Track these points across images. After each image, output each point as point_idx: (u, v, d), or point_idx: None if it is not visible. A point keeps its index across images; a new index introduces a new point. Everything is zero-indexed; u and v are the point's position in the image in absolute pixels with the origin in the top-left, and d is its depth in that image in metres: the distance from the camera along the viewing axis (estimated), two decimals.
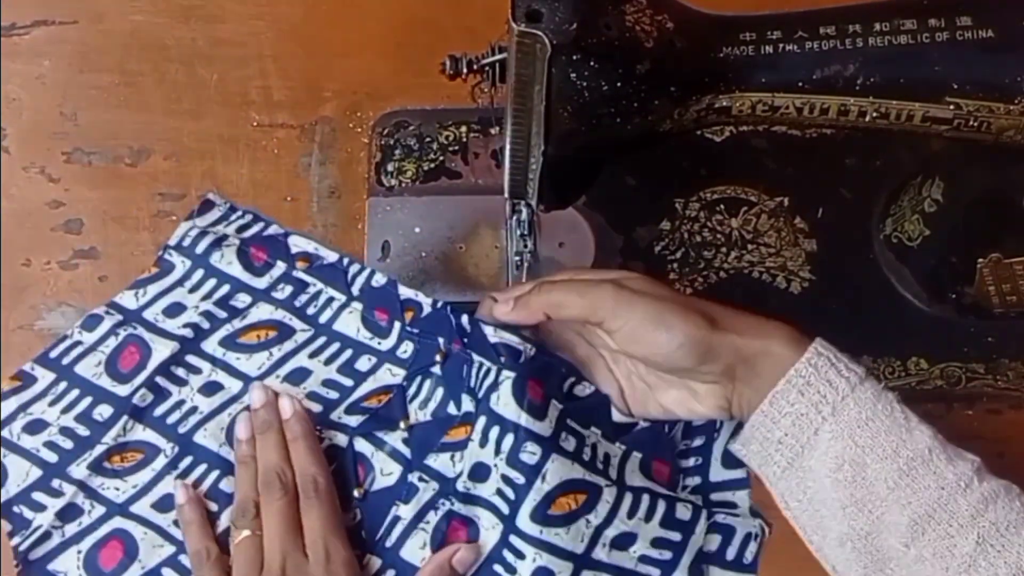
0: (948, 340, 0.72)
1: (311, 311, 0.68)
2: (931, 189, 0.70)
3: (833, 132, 0.77)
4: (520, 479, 0.60)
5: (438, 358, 0.65)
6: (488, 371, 0.63)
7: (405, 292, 0.67)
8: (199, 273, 0.69)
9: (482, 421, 0.62)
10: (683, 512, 0.62)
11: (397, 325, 0.67)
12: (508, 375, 0.62)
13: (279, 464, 0.62)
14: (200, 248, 0.69)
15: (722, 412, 0.58)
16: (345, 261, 0.69)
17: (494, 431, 0.61)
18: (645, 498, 0.62)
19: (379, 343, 0.67)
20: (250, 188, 0.77)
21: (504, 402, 0.62)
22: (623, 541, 0.60)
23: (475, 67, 0.58)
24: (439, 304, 0.66)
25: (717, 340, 0.56)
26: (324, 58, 0.82)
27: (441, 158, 0.78)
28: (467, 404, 0.63)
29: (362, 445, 0.63)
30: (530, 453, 0.61)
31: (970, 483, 0.52)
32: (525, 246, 0.72)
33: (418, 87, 0.79)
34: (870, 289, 0.74)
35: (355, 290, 0.68)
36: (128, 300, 0.68)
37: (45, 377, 0.67)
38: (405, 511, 0.62)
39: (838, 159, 0.78)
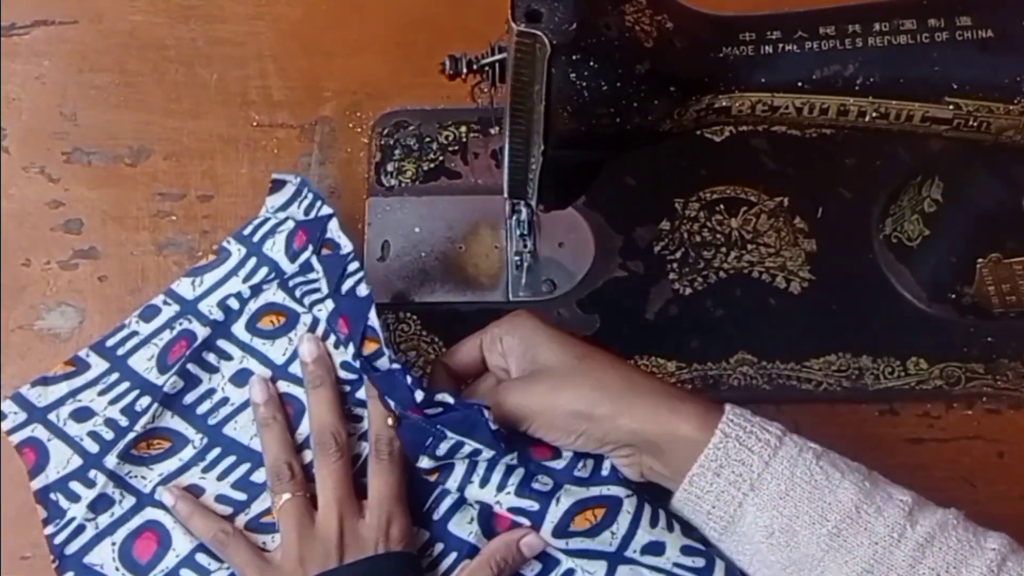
0: (948, 340, 0.72)
1: (307, 299, 0.68)
2: (931, 189, 0.70)
3: (833, 132, 0.77)
4: (534, 506, 0.60)
5: (389, 421, 0.61)
6: (478, 451, 0.60)
7: (373, 319, 0.65)
8: (252, 261, 0.70)
9: (482, 467, 0.61)
10: None
11: (350, 347, 0.65)
12: (513, 454, 0.61)
13: (335, 424, 0.62)
14: (257, 236, 0.71)
15: (636, 476, 0.59)
16: (350, 256, 0.68)
17: (499, 469, 0.61)
18: (663, 512, 0.61)
19: (342, 351, 0.66)
20: (250, 188, 0.77)
21: (510, 457, 0.61)
22: (653, 548, 0.60)
23: (475, 67, 0.58)
24: (395, 364, 0.63)
25: (602, 427, 0.57)
26: (324, 58, 0.82)
27: (441, 158, 0.78)
28: (425, 462, 0.61)
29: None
30: (542, 483, 0.61)
31: (903, 532, 0.52)
32: (525, 246, 0.72)
33: (418, 87, 0.79)
34: (870, 289, 0.74)
35: (343, 287, 0.68)
36: (185, 288, 0.70)
37: (99, 365, 0.68)
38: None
39: (838, 159, 0.78)
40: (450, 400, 0.59)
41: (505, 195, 0.66)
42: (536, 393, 0.59)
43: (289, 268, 0.70)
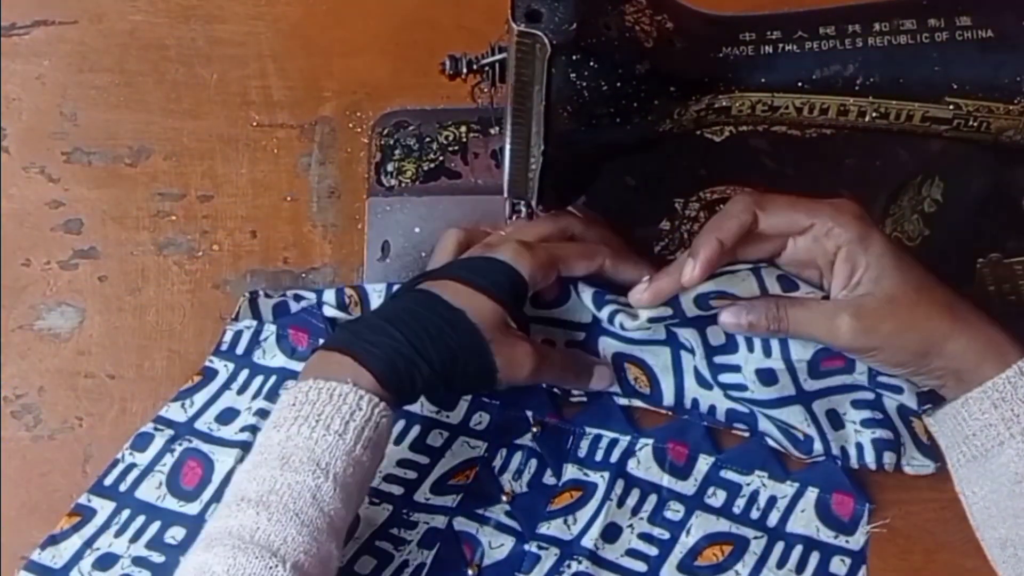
0: None
1: None
2: (931, 189, 0.70)
3: (833, 132, 0.76)
4: (665, 535, 0.63)
5: (535, 429, 0.66)
6: (615, 441, 0.66)
7: None
8: (244, 373, 0.68)
9: (620, 485, 0.64)
10: (838, 566, 0.63)
11: (466, 397, 0.67)
12: (646, 442, 0.66)
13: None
14: (240, 348, 0.69)
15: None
16: None
17: (633, 494, 0.64)
18: (798, 549, 0.63)
19: (447, 416, 0.67)
20: (249, 188, 0.77)
21: (645, 466, 0.65)
22: None
23: (475, 67, 0.58)
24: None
25: (936, 364, 0.59)
26: (324, 58, 0.82)
27: (441, 158, 0.78)
28: (570, 472, 0.65)
29: (463, 523, 0.63)
30: (674, 511, 0.64)
31: None
32: None
33: (418, 87, 0.79)
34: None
35: None
36: (175, 412, 0.67)
37: (104, 508, 0.64)
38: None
39: (838, 159, 0.78)
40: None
41: (505, 195, 0.66)
42: (882, 333, 0.59)
43: (298, 367, 0.67)
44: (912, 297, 0.59)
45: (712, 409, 0.67)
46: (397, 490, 0.64)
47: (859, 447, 0.65)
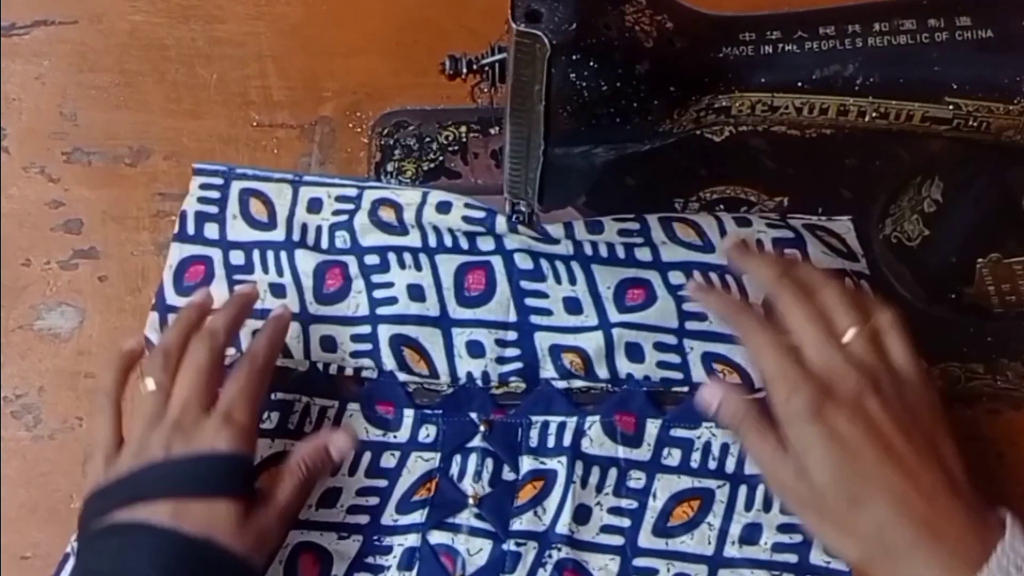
0: (947, 340, 0.72)
1: (308, 429, 0.67)
2: (931, 189, 0.70)
3: (833, 132, 0.77)
4: (633, 504, 0.65)
5: (483, 429, 0.66)
6: (563, 424, 0.67)
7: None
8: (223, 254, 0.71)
9: (579, 466, 0.65)
10: None
11: (409, 412, 0.67)
12: (593, 419, 0.67)
13: (224, 326, 0.62)
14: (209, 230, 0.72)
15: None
16: (318, 366, 0.68)
17: (594, 472, 0.65)
18: (760, 488, 0.65)
19: (394, 436, 0.67)
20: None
21: (599, 443, 0.66)
22: (750, 535, 0.64)
23: (475, 67, 0.58)
24: (463, 381, 0.68)
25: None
26: (324, 58, 0.82)
27: (441, 158, 0.78)
28: (528, 464, 0.66)
29: (438, 536, 0.64)
30: (636, 480, 0.65)
31: None
32: None
33: (418, 87, 0.79)
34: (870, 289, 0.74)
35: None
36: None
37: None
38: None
39: (838, 159, 0.78)
40: None
41: (505, 195, 0.66)
42: (823, 530, 0.56)
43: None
44: (839, 505, 0.54)
45: (647, 378, 0.68)
46: (363, 519, 0.64)
47: None
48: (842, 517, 0.54)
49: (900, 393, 0.56)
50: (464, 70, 0.58)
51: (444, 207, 0.72)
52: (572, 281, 0.70)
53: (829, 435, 0.54)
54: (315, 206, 0.74)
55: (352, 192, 0.74)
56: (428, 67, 0.62)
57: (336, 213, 0.73)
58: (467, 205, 0.71)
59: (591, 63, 0.53)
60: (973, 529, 0.53)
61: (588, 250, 0.71)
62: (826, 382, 0.56)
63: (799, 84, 0.57)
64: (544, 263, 0.71)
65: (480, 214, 0.71)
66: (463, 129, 0.79)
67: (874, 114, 0.58)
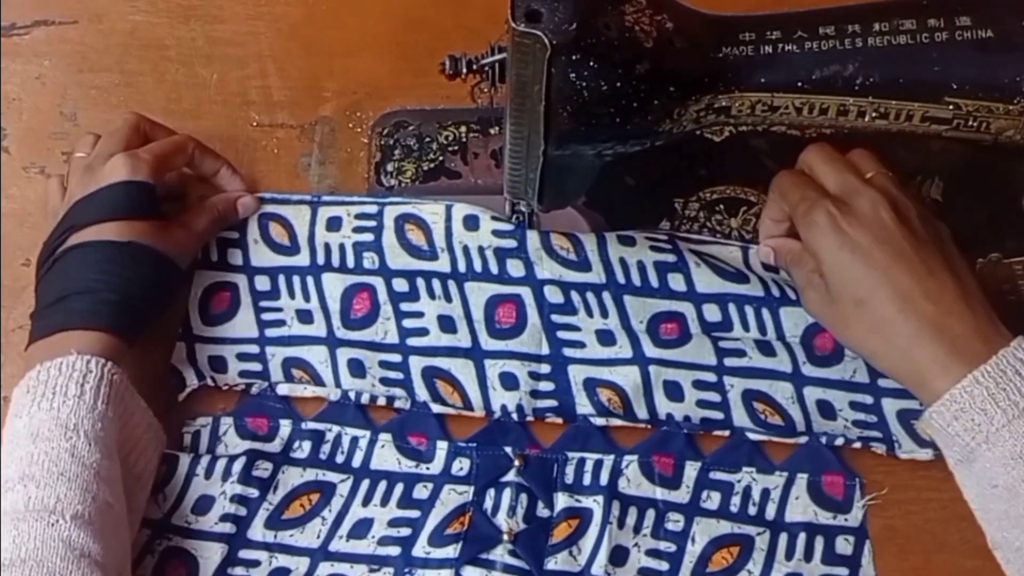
0: None
1: (340, 458, 0.67)
2: (931, 189, 0.70)
3: (833, 132, 0.76)
4: (671, 547, 0.64)
5: (517, 463, 0.66)
6: (600, 462, 0.66)
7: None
8: (206, 460, 0.66)
9: (616, 506, 0.64)
10: (843, 546, 0.64)
11: (442, 444, 0.67)
12: (631, 458, 0.66)
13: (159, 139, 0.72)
14: (201, 447, 0.67)
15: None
16: (349, 395, 0.68)
17: (631, 512, 0.64)
18: (802, 537, 0.64)
19: (427, 468, 0.67)
20: (249, 188, 0.77)
21: (636, 483, 0.65)
22: None
23: (475, 67, 0.58)
24: (498, 415, 0.68)
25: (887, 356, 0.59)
26: (324, 58, 0.82)
27: (441, 158, 0.78)
28: (563, 501, 0.65)
29: (471, 572, 0.63)
30: (674, 522, 0.64)
31: None
32: None
33: (418, 87, 0.79)
34: None
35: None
36: (151, 510, 0.65)
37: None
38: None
39: None
40: None
41: (505, 195, 0.66)
42: (828, 324, 0.62)
43: (274, 447, 0.67)
44: (849, 307, 0.59)
45: (687, 419, 0.67)
46: (394, 551, 0.64)
47: (844, 437, 0.66)
48: (850, 316, 0.59)
49: (917, 215, 0.60)
50: (464, 70, 0.58)
51: (472, 222, 0.71)
52: (604, 314, 0.69)
53: (843, 241, 0.58)
54: (335, 224, 0.72)
55: (372, 209, 0.73)
56: (428, 67, 0.62)
57: (358, 231, 0.72)
58: (494, 218, 0.71)
59: (591, 63, 0.53)
60: (980, 333, 0.56)
61: (620, 277, 0.69)
62: (844, 200, 0.60)
63: (799, 84, 0.57)
64: (575, 296, 0.69)
65: (510, 227, 0.70)
66: (463, 129, 0.79)
67: (874, 114, 0.58)
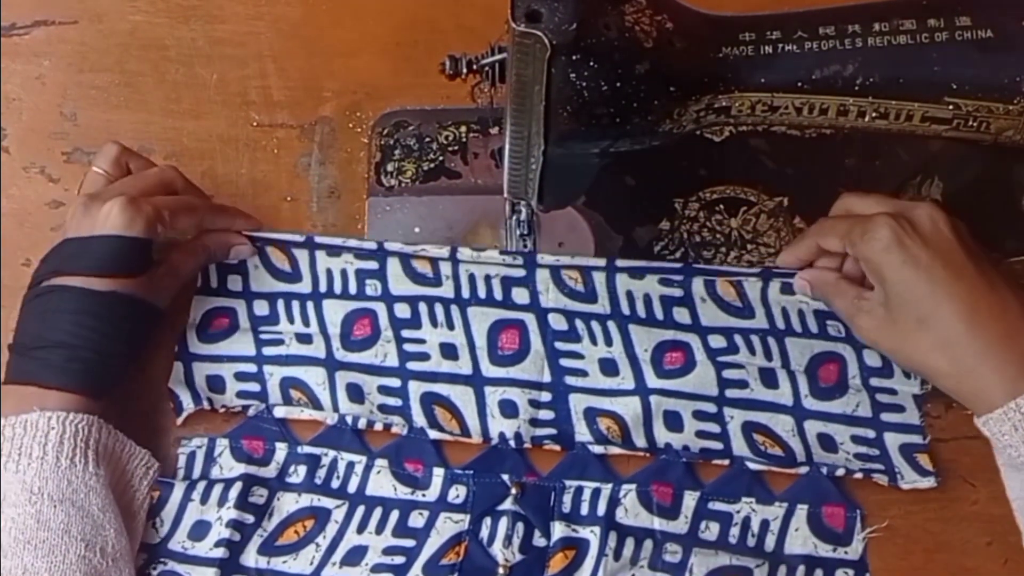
0: None
1: (336, 484, 0.66)
2: (930, 189, 0.70)
3: (833, 132, 0.76)
4: None
5: (514, 491, 0.65)
6: (598, 491, 0.65)
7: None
8: (202, 485, 0.66)
9: (612, 538, 0.63)
10: None
11: (439, 471, 0.66)
12: (629, 487, 0.65)
13: (184, 184, 0.70)
14: (196, 471, 0.67)
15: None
16: (346, 419, 0.67)
17: (628, 543, 0.64)
18: (801, 569, 0.63)
19: (423, 495, 0.66)
20: (249, 188, 0.77)
21: (633, 513, 0.65)
22: None
23: (475, 67, 0.58)
24: (496, 442, 0.67)
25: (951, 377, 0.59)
26: (324, 58, 0.82)
27: (441, 158, 0.78)
28: (560, 530, 0.64)
29: None
30: (672, 553, 0.64)
31: None
32: (524, 246, 0.72)
33: (418, 87, 0.79)
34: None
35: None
36: (148, 535, 0.65)
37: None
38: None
39: (838, 159, 0.78)
40: None
41: (505, 195, 0.66)
42: (884, 348, 0.63)
43: (269, 472, 0.66)
44: (910, 326, 0.59)
45: (686, 448, 0.67)
46: None
47: (846, 468, 0.66)
48: (912, 335, 0.59)
49: (970, 233, 0.60)
50: (464, 70, 0.58)
51: (479, 251, 0.70)
52: (608, 342, 0.69)
53: (906, 257, 0.58)
54: (336, 251, 0.72)
55: (372, 245, 0.72)
56: (428, 67, 0.62)
57: (360, 257, 0.71)
58: (503, 252, 0.70)
59: (591, 63, 0.53)
60: None
61: (625, 308, 0.69)
62: (897, 212, 0.60)
63: (799, 84, 0.57)
64: (579, 324, 0.69)
65: (519, 259, 0.70)
66: (463, 129, 0.79)
67: (874, 114, 0.58)
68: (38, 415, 0.60)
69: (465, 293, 0.70)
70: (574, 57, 0.53)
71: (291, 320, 0.71)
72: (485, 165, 0.78)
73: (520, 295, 0.70)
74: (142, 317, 0.65)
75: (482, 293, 0.70)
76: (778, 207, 0.76)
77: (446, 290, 0.70)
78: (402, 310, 0.70)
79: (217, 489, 0.65)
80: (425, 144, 0.79)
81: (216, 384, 0.69)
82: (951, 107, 0.56)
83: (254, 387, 0.69)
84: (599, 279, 0.69)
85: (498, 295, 0.70)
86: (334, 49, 0.82)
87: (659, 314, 0.69)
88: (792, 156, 0.78)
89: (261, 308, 0.71)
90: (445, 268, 0.70)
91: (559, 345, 0.69)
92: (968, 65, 0.55)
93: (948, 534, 0.65)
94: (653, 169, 0.77)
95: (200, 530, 0.64)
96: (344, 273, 0.71)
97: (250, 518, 0.65)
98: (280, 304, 0.71)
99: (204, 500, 0.65)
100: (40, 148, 0.79)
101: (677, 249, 0.75)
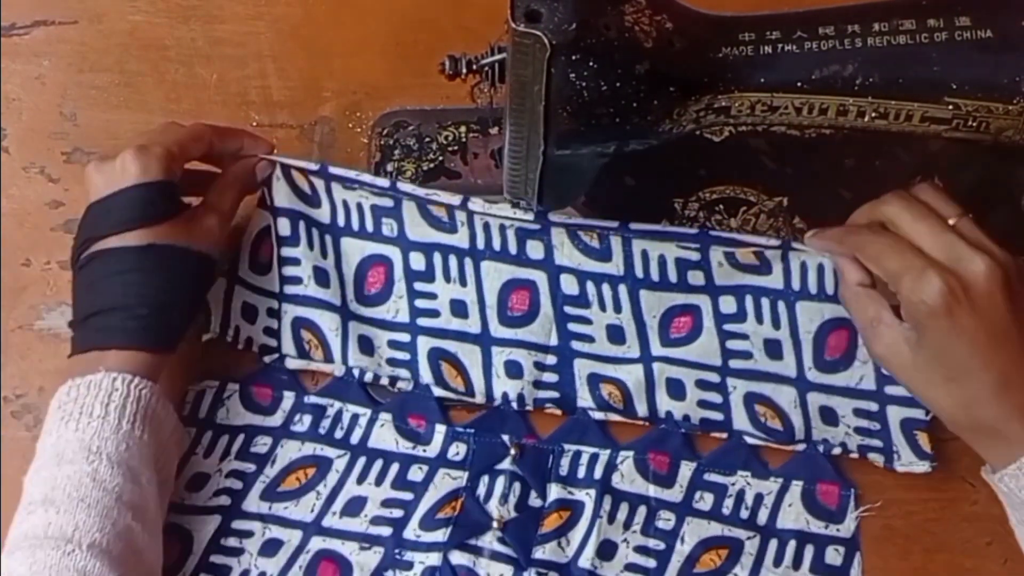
0: None
1: (339, 434, 0.67)
2: None
3: (832, 132, 0.76)
4: (660, 545, 0.64)
5: (513, 452, 0.66)
6: (595, 456, 0.66)
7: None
8: (207, 436, 0.67)
9: (607, 501, 0.64)
10: (833, 556, 0.64)
11: (440, 428, 0.67)
12: (627, 454, 0.66)
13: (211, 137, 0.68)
14: (202, 411, 0.68)
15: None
16: (354, 372, 0.68)
17: (622, 508, 0.64)
18: (791, 544, 0.64)
19: (424, 450, 0.67)
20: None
21: (630, 479, 0.65)
22: None
23: (474, 67, 0.58)
24: (498, 402, 0.68)
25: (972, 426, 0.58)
26: (323, 58, 0.82)
27: (440, 158, 0.78)
28: (555, 492, 0.65)
29: (459, 557, 0.63)
30: (665, 520, 0.65)
31: None
32: None
33: (418, 87, 0.79)
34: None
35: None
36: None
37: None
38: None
39: (837, 159, 0.78)
40: None
41: (505, 195, 0.66)
42: (914, 388, 0.60)
43: (274, 421, 0.67)
44: (937, 377, 0.57)
45: (687, 418, 0.67)
46: (385, 531, 0.64)
47: (843, 445, 0.66)
48: (936, 384, 0.57)
49: (1016, 272, 0.57)
50: (464, 70, 0.58)
51: (492, 203, 0.68)
52: (617, 308, 0.68)
53: (953, 323, 0.55)
54: (350, 185, 0.69)
55: (384, 183, 0.70)
56: (428, 67, 0.62)
57: (376, 195, 0.70)
58: (514, 206, 0.68)
59: (591, 63, 0.53)
60: None
61: (639, 271, 0.68)
62: (951, 268, 0.56)
63: (799, 84, 0.57)
64: (591, 287, 0.68)
65: (530, 215, 0.68)
66: (463, 129, 0.79)
67: (874, 114, 0.58)
68: (103, 375, 0.59)
69: (480, 243, 0.69)
70: (574, 57, 0.53)
71: (311, 246, 0.69)
72: (485, 165, 0.78)
73: (535, 249, 0.69)
74: (191, 267, 0.64)
75: (496, 244, 0.69)
76: (778, 207, 0.76)
77: (461, 238, 0.69)
78: (417, 260, 0.69)
79: (222, 442, 0.66)
80: (425, 144, 0.79)
81: (250, 314, 0.70)
82: (951, 107, 0.56)
83: (274, 323, 0.70)
84: (615, 238, 0.68)
85: (512, 248, 0.69)
86: (334, 49, 0.82)
87: (672, 276, 0.68)
88: (792, 156, 0.78)
89: (284, 227, 0.70)
90: (460, 215, 0.69)
91: (568, 309, 0.69)
92: (968, 65, 0.55)
93: (948, 534, 0.65)
94: (653, 169, 0.77)
95: (198, 481, 0.65)
96: (360, 208, 0.70)
97: (251, 467, 0.66)
98: (302, 226, 0.69)
99: (208, 454, 0.66)
100: (40, 148, 0.79)
101: None
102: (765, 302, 0.68)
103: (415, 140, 0.79)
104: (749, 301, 0.68)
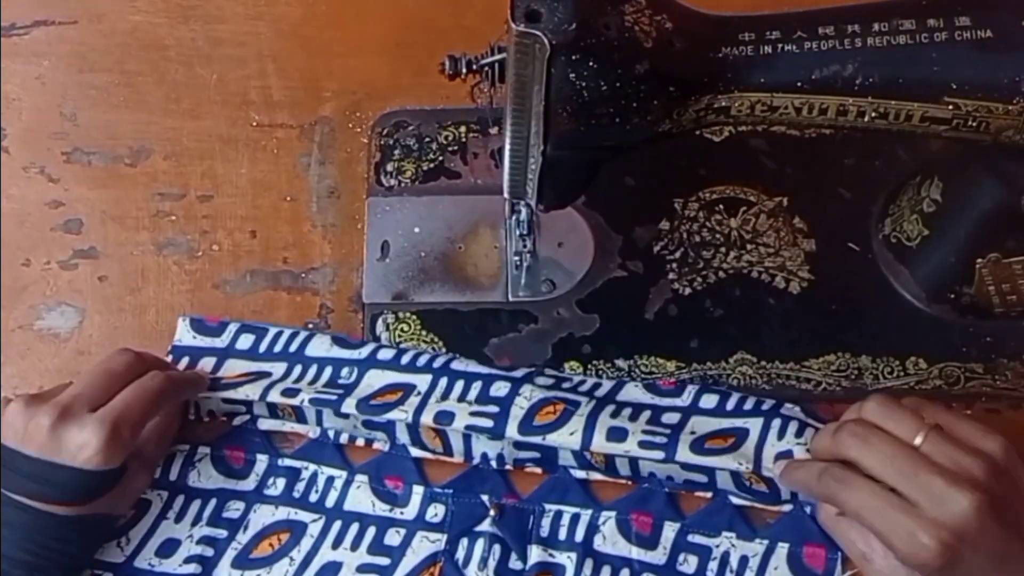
0: (947, 340, 0.72)
1: (314, 497, 0.66)
2: (930, 189, 0.70)
3: (832, 132, 0.77)
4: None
5: (492, 512, 0.64)
6: (577, 516, 0.64)
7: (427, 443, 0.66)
8: (179, 500, 0.66)
9: (588, 565, 0.63)
10: None
11: (418, 489, 0.66)
12: (609, 515, 0.64)
13: (162, 379, 0.63)
14: (173, 473, 0.67)
15: None
16: (329, 433, 0.67)
17: (604, 571, 0.63)
18: None
19: (401, 512, 0.65)
20: (249, 188, 0.78)
21: (612, 541, 0.64)
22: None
23: (474, 67, 0.58)
24: (476, 462, 0.66)
25: None
26: (323, 58, 0.82)
27: (440, 158, 0.78)
28: (536, 554, 0.63)
29: None
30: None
31: None
32: (524, 246, 0.72)
33: (417, 87, 0.80)
34: (869, 289, 0.74)
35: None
36: (111, 553, 0.64)
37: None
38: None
39: (837, 159, 0.78)
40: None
41: (505, 195, 0.66)
42: None
43: (247, 485, 0.66)
44: None
45: (670, 477, 0.65)
46: None
47: None
48: None
49: (1002, 481, 0.54)
50: (464, 70, 0.58)
51: (446, 417, 0.65)
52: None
53: (955, 571, 0.53)
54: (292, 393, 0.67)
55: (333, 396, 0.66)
56: (428, 67, 0.62)
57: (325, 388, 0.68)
58: (472, 414, 0.65)
59: (591, 63, 0.53)
60: None
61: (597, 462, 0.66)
62: (938, 519, 0.53)
63: (798, 84, 0.57)
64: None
65: (488, 423, 0.64)
66: (463, 129, 0.79)
67: (874, 114, 0.58)
68: None
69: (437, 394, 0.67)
70: (574, 57, 0.53)
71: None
72: (485, 165, 0.78)
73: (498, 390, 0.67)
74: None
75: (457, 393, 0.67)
76: (778, 207, 0.76)
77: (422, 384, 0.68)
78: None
79: (194, 507, 0.65)
80: (425, 144, 0.79)
81: (206, 402, 0.68)
82: (951, 107, 0.56)
83: (240, 407, 0.68)
84: (572, 427, 0.64)
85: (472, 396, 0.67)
86: (334, 49, 0.82)
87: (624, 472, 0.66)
88: (792, 156, 0.78)
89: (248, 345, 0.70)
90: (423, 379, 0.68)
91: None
92: (967, 65, 0.55)
93: None
94: (653, 169, 0.77)
95: (169, 547, 0.64)
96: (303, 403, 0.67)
97: (223, 533, 0.65)
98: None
99: (179, 519, 0.65)
100: (40, 148, 0.79)
101: (677, 249, 0.75)
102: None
103: (415, 140, 0.79)
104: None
